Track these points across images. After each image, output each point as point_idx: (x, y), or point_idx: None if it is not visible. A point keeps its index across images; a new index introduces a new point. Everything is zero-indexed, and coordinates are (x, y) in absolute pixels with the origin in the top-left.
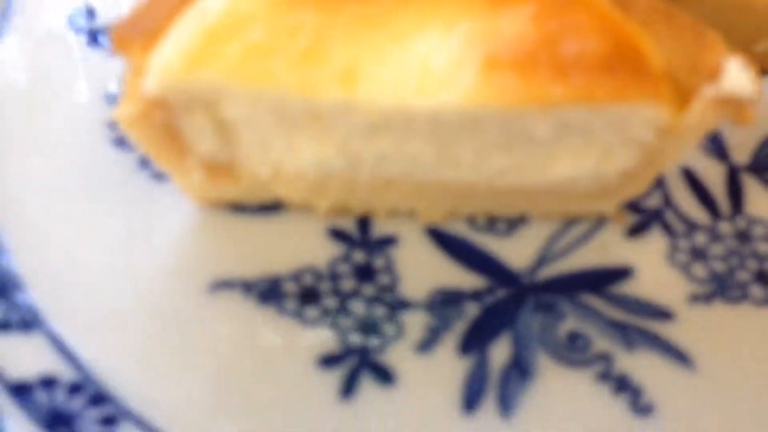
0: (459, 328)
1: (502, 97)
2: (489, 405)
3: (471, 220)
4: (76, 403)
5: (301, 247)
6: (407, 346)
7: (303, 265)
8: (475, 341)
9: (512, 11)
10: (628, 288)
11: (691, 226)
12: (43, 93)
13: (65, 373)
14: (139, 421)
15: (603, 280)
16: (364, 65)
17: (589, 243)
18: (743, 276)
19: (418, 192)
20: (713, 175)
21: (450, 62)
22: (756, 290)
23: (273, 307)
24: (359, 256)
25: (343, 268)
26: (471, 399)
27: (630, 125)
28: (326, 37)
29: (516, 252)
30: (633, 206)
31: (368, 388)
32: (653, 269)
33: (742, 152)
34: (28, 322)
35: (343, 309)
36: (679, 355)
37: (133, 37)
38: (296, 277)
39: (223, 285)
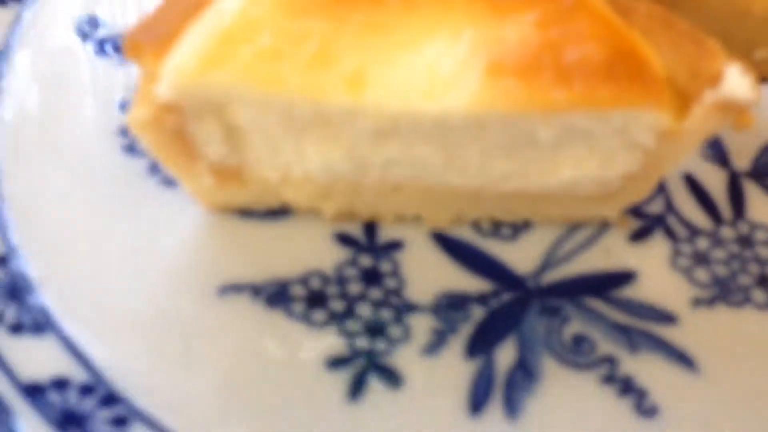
0: (465, 331)
1: (507, 102)
2: (495, 407)
3: (476, 225)
4: (88, 404)
5: (309, 251)
6: (414, 349)
7: (310, 269)
8: (481, 344)
9: (516, 18)
10: (632, 292)
11: (694, 231)
12: (55, 102)
13: (77, 374)
14: (149, 422)
15: (607, 284)
16: (372, 70)
17: (593, 248)
18: (745, 280)
19: (425, 197)
20: (715, 181)
21: (456, 68)
22: (758, 294)
23: (281, 311)
24: (366, 261)
25: (350, 272)
26: (477, 401)
27: (632, 130)
28: (335, 43)
29: (521, 256)
30: (636, 211)
31: (375, 390)
32: (656, 273)
33: (742, 158)
34: (41, 324)
35: (350, 312)
36: (682, 358)
37: (145, 43)
38: (303, 281)
39: (231, 289)
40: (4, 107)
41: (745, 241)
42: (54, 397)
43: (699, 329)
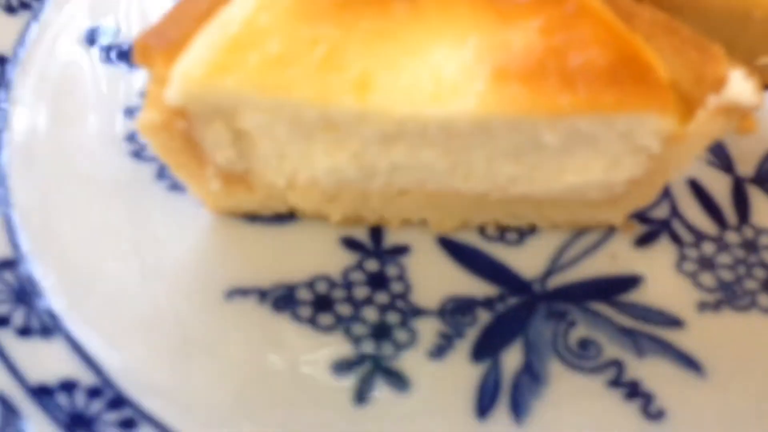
0: (471, 335)
1: (512, 107)
2: (502, 411)
3: (482, 230)
4: (96, 406)
5: (315, 256)
6: (420, 353)
7: (317, 274)
8: (487, 348)
9: (520, 25)
10: (638, 296)
11: (699, 236)
12: (62, 109)
13: (85, 377)
14: (157, 424)
15: (613, 288)
16: (378, 75)
17: (599, 252)
18: (751, 285)
19: (431, 202)
20: (719, 187)
21: (461, 73)
22: (764, 299)
23: (287, 315)
24: (372, 265)
25: (357, 277)
26: (484, 405)
27: (636, 134)
28: (341, 49)
29: (527, 261)
30: (641, 217)
31: (382, 393)
32: (662, 278)
33: (746, 164)
34: (49, 327)
35: (356, 316)
36: (689, 362)
37: (155, 48)
38: (310, 285)
39: (238, 293)
40: (14, 115)
41: (751, 246)
42: (62, 399)
43: (705, 333)
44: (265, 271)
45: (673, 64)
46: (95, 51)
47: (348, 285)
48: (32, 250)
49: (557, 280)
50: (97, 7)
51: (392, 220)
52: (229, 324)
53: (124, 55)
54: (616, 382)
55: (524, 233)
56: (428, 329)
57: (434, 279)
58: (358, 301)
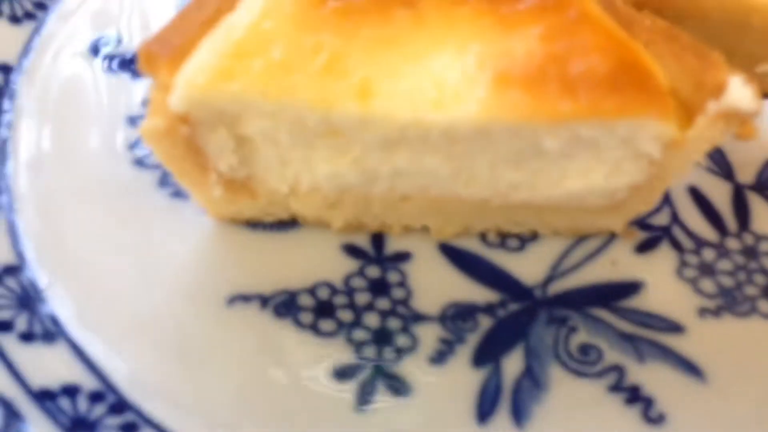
0: (472, 340)
1: (513, 112)
2: (502, 416)
3: (483, 237)
4: (98, 411)
5: (317, 262)
6: (421, 358)
7: (318, 280)
8: (488, 353)
9: (522, 32)
10: (639, 302)
11: (699, 243)
12: (66, 117)
13: (87, 382)
14: (159, 429)
15: (613, 294)
16: (380, 82)
17: (600, 259)
18: (751, 291)
19: (432, 208)
20: (720, 194)
21: (463, 79)
22: (764, 305)
23: (289, 321)
24: (373, 271)
25: (358, 283)
26: (484, 410)
27: (637, 140)
28: (344, 56)
29: (528, 267)
30: (642, 223)
31: (383, 399)
32: (663, 284)
33: (746, 172)
34: (52, 333)
35: (357, 322)
36: (689, 367)
37: (159, 55)
38: (311, 291)
39: (240, 298)
40: (19, 124)
41: (751, 252)
42: (64, 403)
43: (706, 339)
44: (267, 278)
45: (673, 71)
46: (98, 61)
47: (349, 291)
48: (35, 256)
49: (558, 286)
50: (100, 17)
51: (394, 226)
52: (230, 329)
53: (127, 65)
54: (616, 387)
55: (525, 240)
56: (429, 335)
57: (435, 285)
58: (359, 307)
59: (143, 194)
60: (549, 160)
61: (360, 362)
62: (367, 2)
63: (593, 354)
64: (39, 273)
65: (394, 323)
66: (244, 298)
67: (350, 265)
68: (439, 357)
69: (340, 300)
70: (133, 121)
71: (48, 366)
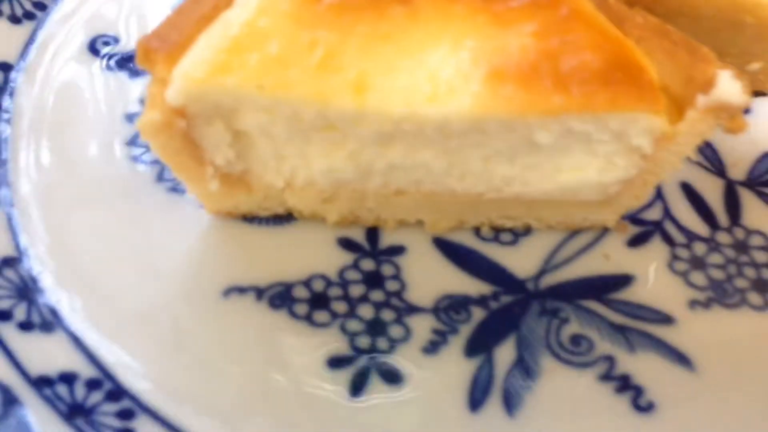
0: (465, 331)
1: (507, 107)
2: (494, 404)
3: (477, 232)
4: (95, 398)
5: (312, 256)
6: (415, 349)
7: (313, 272)
8: (480, 344)
9: (516, 29)
10: (630, 294)
11: (691, 237)
12: (65, 115)
13: (84, 370)
14: (155, 416)
15: (606, 287)
16: (376, 77)
17: (592, 252)
18: (741, 283)
19: (427, 202)
20: (711, 190)
21: (457, 75)
22: (754, 297)
23: (284, 311)
24: (368, 264)
25: (353, 275)
26: (476, 398)
27: (629, 134)
28: (339, 51)
29: (521, 261)
30: (634, 218)
31: (377, 388)
32: (654, 277)
33: (738, 169)
34: (50, 323)
35: (351, 313)
36: (679, 357)
37: (157, 50)
38: (306, 283)
39: (235, 290)
40: (19, 121)
41: (741, 246)
42: (62, 390)
43: (696, 330)
44: (262, 271)
45: (664, 66)
46: (97, 60)
47: (344, 283)
48: (34, 249)
49: (551, 279)
50: (98, 17)
51: (388, 220)
52: (226, 320)
53: (125, 64)
54: (607, 377)
55: (519, 234)
56: (423, 326)
57: (429, 278)
58: (353, 299)
59: (141, 189)
60: (542, 155)
61: (354, 352)
62: None
63: (584, 344)
64: (38, 265)
65: (387, 314)
66: (240, 290)
67: (345, 258)
68: (432, 347)
69: (334, 292)
70: (131, 118)
71: (46, 354)
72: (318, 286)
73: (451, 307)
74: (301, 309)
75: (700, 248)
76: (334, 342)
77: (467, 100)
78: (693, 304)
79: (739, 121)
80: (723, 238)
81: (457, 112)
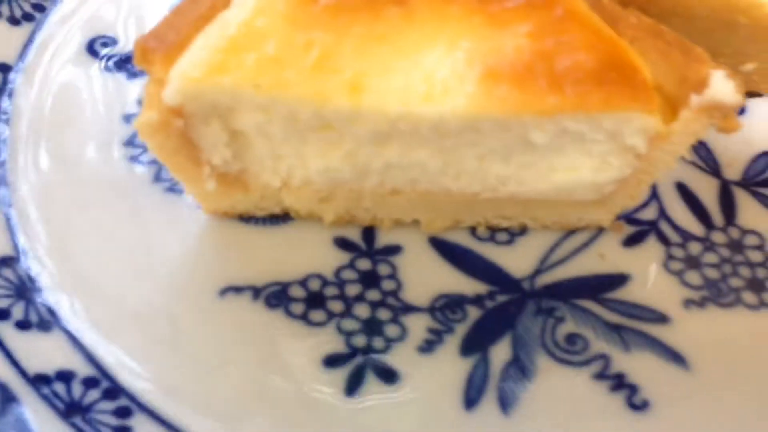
0: (461, 330)
1: (502, 106)
2: (489, 402)
3: (473, 232)
4: (92, 396)
5: (308, 255)
6: (411, 347)
7: (310, 272)
8: (476, 343)
9: (511, 30)
10: (625, 294)
11: (686, 236)
12: (64, 116)
13: (81, 368)
14: (152, 414)
15: (601, 286)
16: (371, 76)
17: (588, 252)
18: (736, 282)
19: (423, 202)
20: (707, 190)
21: (453, 74)
22: (748, 296)
23: (281, 311)
24: (364, 264)
25: (349, 275)
26: (472, 397)
27: (623, 134)
28: (335, 52)
29: (517, 260)
30: (629, 218)
31: (373, 386)
32: (649, 276)
33: (733, 169)
34: (47, 322)
35: (348, 312)
36: (674, 356)
37: (155, 50)
38: (303, 282)
39: (232, 290)
40: (18, 121)
41: (736, 246)
42: (59, 388)
43: (690, 329)
44: (259, 270)
45: (658, 66)
46: (95, 61)
47: (340, 283)
48: (32, 248)
49: (546, 278)
50: (96, 19)
51: (385, 220)
52: (222, 319)
53: (123, 65)
54: (602, 375)
55: (515, 234)
56: (418, 325)
57: (425, 277)
58: (349, 298)
59: (138, 189)
60: (537, 154)
61: (350, 351)
62: (358, 0)
63: (580, 343)
64: (35, 265)
65: (384, 314)
66: (237, 289)
67: (341, 257)
68: (428, 346)
69: (330, 291)
70: (128, 119)
71: (43, 353)
72: (314, 285)
73: (447, 307)
74: (298, 308)
75: (695, 248)
76: (330, 341)
77: (462, 100)
78: (688, 303)
79: (733, 120)
80: (718, 237)
81: (452, 111)
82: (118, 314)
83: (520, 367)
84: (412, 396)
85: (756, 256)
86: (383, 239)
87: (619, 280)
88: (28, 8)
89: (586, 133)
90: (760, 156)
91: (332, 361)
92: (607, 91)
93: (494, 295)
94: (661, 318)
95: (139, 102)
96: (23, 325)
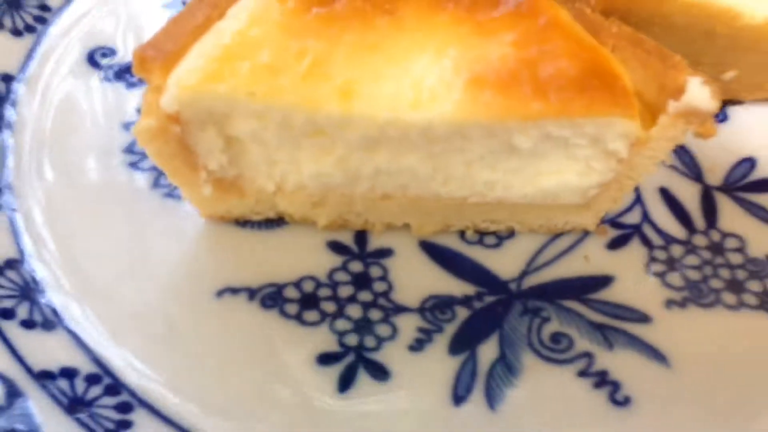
0: (450, 330)
1: (487, 112)
2: (477, 398)
3: (462, 235)
4: (94, 392)
5: (302, 258)
6: (401, 346)
7: (303, 274)
8: (464, 342)
9: (496, 38)
10: (609, 294)
11: (668, 239)
12: (65, 124)
13: (84, 366)
14: (151, 409)
15: (586, 287)
16: (362, 84)
17: (573, 254)
18: (716, 283)
19: (412, 207)
20: (689, 195)
21: (440, 82)
22: (728, 296)
23: (275, 311)
24: (356, 266)
25: (341, 277)
26: (460, 393)
27: (605, 139)
28: (327, 60)
29: (504, 263)
30: (614, 222)
31: (365, 383)
32: (632, 278)
33: (715, 174)
34: (51, 322)
35: (340, 313)
36: (655, 354)
37: (153, 59)
38: (297, 284)
39: (228, 291)
40: (22, 129)
41: (717, 248)
42: (63, 384)
43: (672, 328)
44: (254, 273)
45: (638, 74)
46: (95, 71)
47: (333, 284)
48: (36, 251)
49: (533, 280)
50: (96, 30)
51: (376, 224)
52: (219, 319)
53: (122, 75)
54: (585, 372)
55: (502, 237)
56: (409, 325)
57: (415, 279)
58: (342, 299)
59: (137, 195)
60: (523, 159)
61: (342, 350)
62: (349, 10)
63: (564, 342)
64: (39, 267)
65: (375, 314)
66: (233, 290)
67: (334, 260)
68: (418, 345)
69: (324, 292)
70: (127, 127)
71: (48, 350)
72: (308, 287)
73: (437, 307)
74: (292, 309)
75: (677, 250)
76: (323, 340)
77: (449, 107)
78: (669, 303)
79: (710, 126)
80: (699, 240)
81: (439, 117)
82: (118, 314)
83: (507, 365)
84: (403, 393)
85: (736, 259)
86: (375, 243)
87: (603, 281)
88: (30, 20)
89: (570, 138)
90: (740, 162)
91: (325, 360)
92: (589, 97)
93: (482, 296)
94: (644, 318)
95: (138, 110)
96: (28, 324)
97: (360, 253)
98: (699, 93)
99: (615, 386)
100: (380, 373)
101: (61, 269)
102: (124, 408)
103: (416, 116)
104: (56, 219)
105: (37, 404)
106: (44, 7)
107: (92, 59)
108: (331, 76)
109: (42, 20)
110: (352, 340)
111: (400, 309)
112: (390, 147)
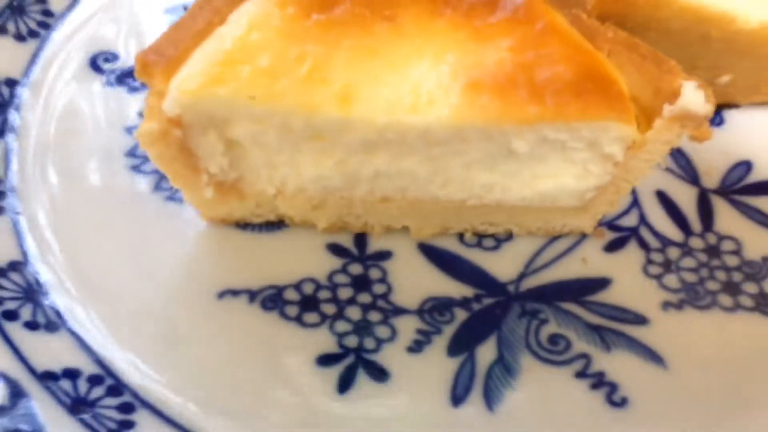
0: (448, 331)
1: (484, 116)
2: (475, 399)
3: (461, 238)
4: (97, 392)
5: (302, 260)
6: (400, 348)
7: (303, 276)
8: (463, 343)
9: (493, 43)
10: (606, 296)
11: (665, 242)
12: (69, 128)
13: (87, 366)
14: (153, 409)
15: (583, 289)
16: (361, 88)
17: (571, 257)
18: (713, 286)
19: (411, 209)
20: (686, 198)
21: (438, 86)
22: (724, 298)
23: (275, 313)
24: (356, 268)
25: (341, 279)
26: (458, 394)
27: (601, 142)
28: (326, 64)
29: (503, 265)
30: (611, 225)
31: (364, 384)
32: (629, 280)
33: (712, 178)
34: (54, 323)
35: (340, 314)
36: (652, 355)
37: (155, 64)
38: (297, 286)
39: (229, 293)
40: (26, 133)
41: (713, 251)
42: (66, 384)
43: (668, 330)
44: (255, 275)
45: (634, 78)
46: (98, 76)
47: (333, 286)
48: (40, 254)
49: (531, 282)
50: (99, 35)
51: (375, 226)
52: (220, 320)
53: (124, 80)
54: (583, 374)
55: (501, 240)
56: (408, 326)
57: (414, 281)
58: (342, 301)
59: (139, 198)
60: (520, 162)
61: (342, 351)
62: (349, 15)
63: (562, 343)
64: (43, 270)
65: (374, 316)
66: (233, 292)
67: (334, 262)
68: (417, 346)
69: (324, 294)
70: (130, 131)
71: (51, 352)
72: (308, 289)
73: (435, 309)
74: (292, 311)
75: (673, 253)
76: (323, 342)
77: (446, 111)
78: (666, 305)
79: (705, 129)
80: (696, 243)
81: (437, 120)
82: (121, 316)
83: (505, 367)
84: (402, 394)
85: (732, 261)
86: (374, 245)
87: (600, 283)
88: (33, 25)
89: (566, 141)
90: (736, 165)
91: (325, 361)
92: (585, 101)
93: (480, 298)
94: (641, 319)
95: (140, 114)
96: (31, 325)
97: (359, 255)
98: (694, 97)
99: (612, 387)
100: (379, 374)
101: (65, 271)
102: (127, 408)
103: (415, 120)
104: (60, 221)
105: (41, 404)
106: (47, 13)
107: (95, 64)
108: (331, 81)
109: (45, 26)
110: (351, 341)
111: (399, 311)
112: (389, 150)
